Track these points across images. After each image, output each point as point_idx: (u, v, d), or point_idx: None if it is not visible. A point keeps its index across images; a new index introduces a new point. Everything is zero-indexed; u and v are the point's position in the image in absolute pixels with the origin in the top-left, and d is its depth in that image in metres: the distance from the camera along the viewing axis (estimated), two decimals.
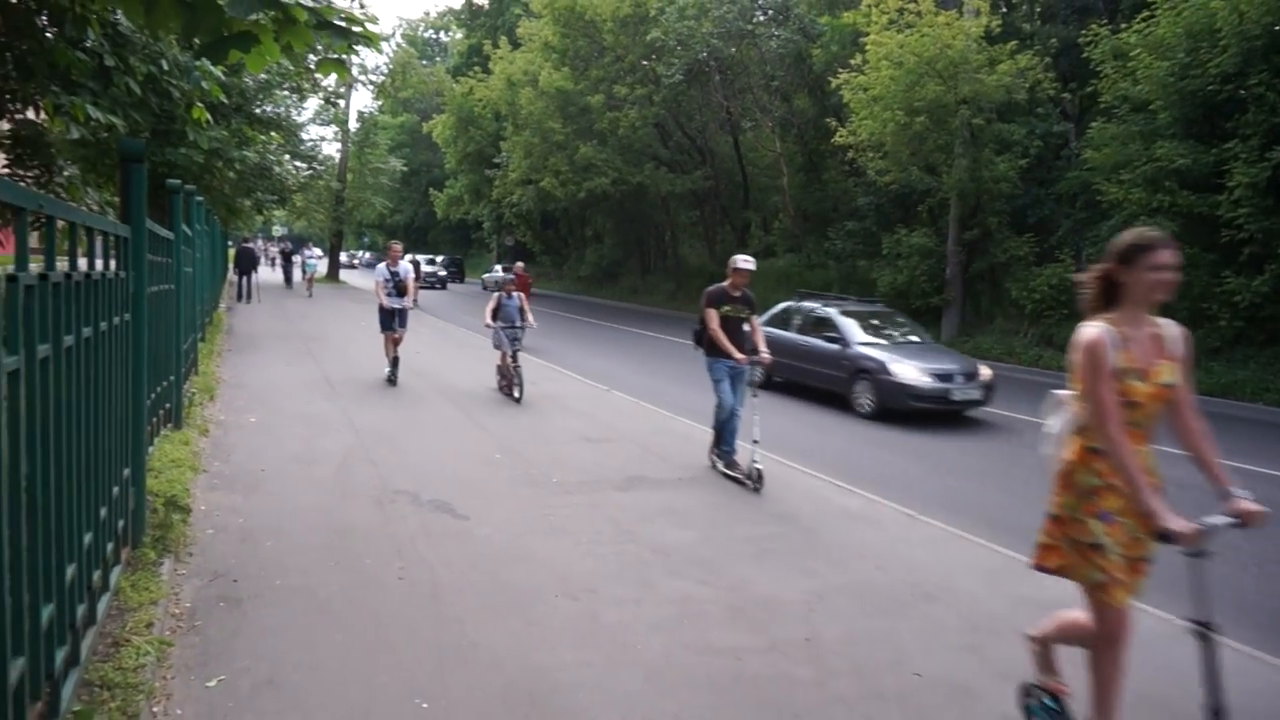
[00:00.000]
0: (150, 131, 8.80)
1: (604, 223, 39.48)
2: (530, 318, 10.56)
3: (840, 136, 20.77)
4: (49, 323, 2.34)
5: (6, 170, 6.83)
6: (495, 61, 35.44)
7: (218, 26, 2.52)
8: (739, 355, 6.93)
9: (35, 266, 2.26)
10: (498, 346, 10.48)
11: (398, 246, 11.33)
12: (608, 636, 3.93)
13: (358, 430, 8.02)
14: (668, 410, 10.06)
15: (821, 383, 11.57)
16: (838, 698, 3.51)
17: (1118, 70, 16.05)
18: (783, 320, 12.67)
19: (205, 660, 3.48)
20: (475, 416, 9.12)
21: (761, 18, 27.52)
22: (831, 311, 12.04)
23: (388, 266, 10.91)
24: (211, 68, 6.55)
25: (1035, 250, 19.07)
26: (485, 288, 41.95)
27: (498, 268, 44.74)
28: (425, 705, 3.23)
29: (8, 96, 6.07)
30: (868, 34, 19.32)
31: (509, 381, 10.19)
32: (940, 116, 18.86)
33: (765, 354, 7.03)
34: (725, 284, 7.18)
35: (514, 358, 10.09)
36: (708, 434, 8.85)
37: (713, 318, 7.06)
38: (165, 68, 6.36)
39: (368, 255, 67.17)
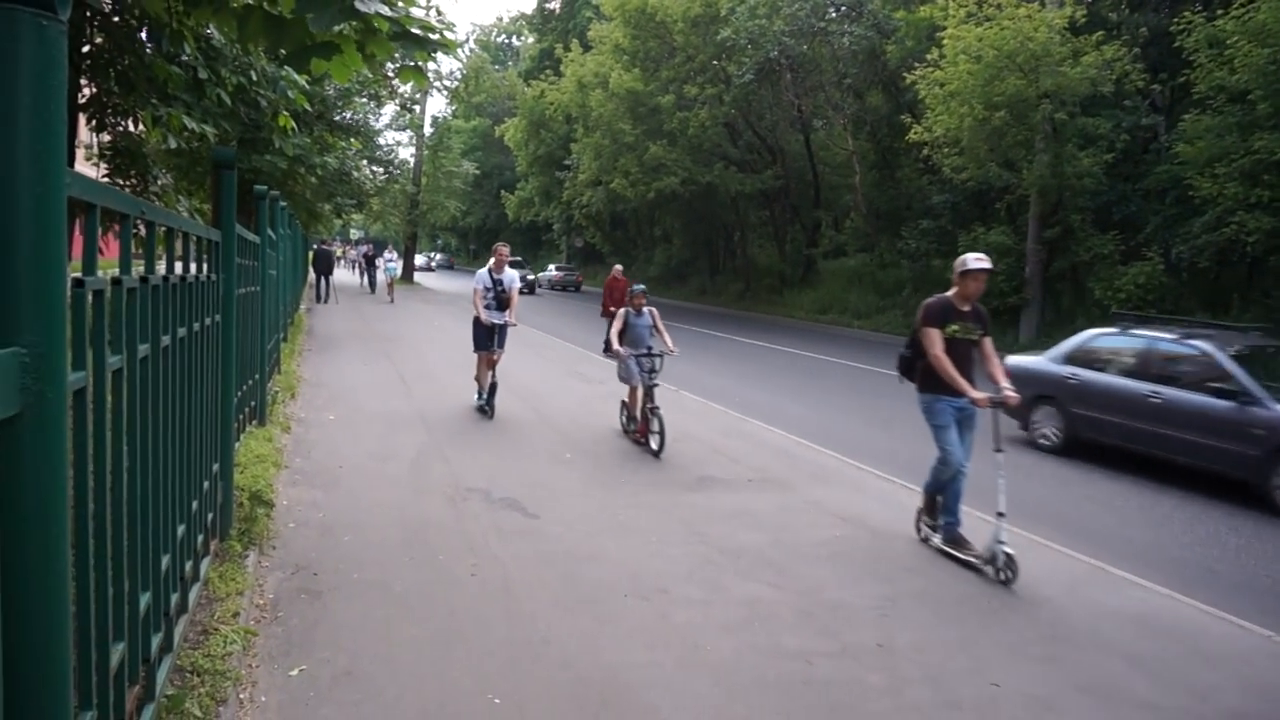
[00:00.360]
0: (238, 140, 9.18)
1: (673, 223, 39.53)
2: (668, 340, 8.07)
3: (915, 133, 20.34)
4: (149, 324, 2.46)
5: (106, 179, 7.21)
6: (566, 64, 35.81)
7: (303, 39, 2.61)
8: (975, 394, 5.13)
9: (135, 270, 2.38)
10: (625, 379, 8.24)
11: (504, 249, 9.28)
12: (678, 637, 3.93)
13: (431, 428, 8.20)
14: (737, 411, 10.02)
15: (1194, 457, 7.60)
16: (912, 705, 3.44)
17: (1213, 59, 15.31)
18: (1095, 358, 8.92)
19: (288, 650, 3.60)
20: (546, 415, 9.22)
21: (834, 14, 27.14)
22: (1208, 349, 7.78)
23: (490, 273, 9.04)
24: (296, 77, 6.79)
25: (1121, 248, 18.35)
26: (539, 287, 42.07)
27: (552, 267, 44.46)
28: (498, 701, 3.29)
29: (109, 110, 6.41)
30: (945, 28, 18.88)
31: (643, 427, 7.84)
32: (1020, 111, 18.30)
33: (1009, 391, 5.15)
34: (950, 294, 5.45)
35: (649, 396, 7.71)
36: (775, 435, 8.81)
37: (936, 340, 5.28)
38: (254, 78, 6.62)
39: (439, 256, 67.94)
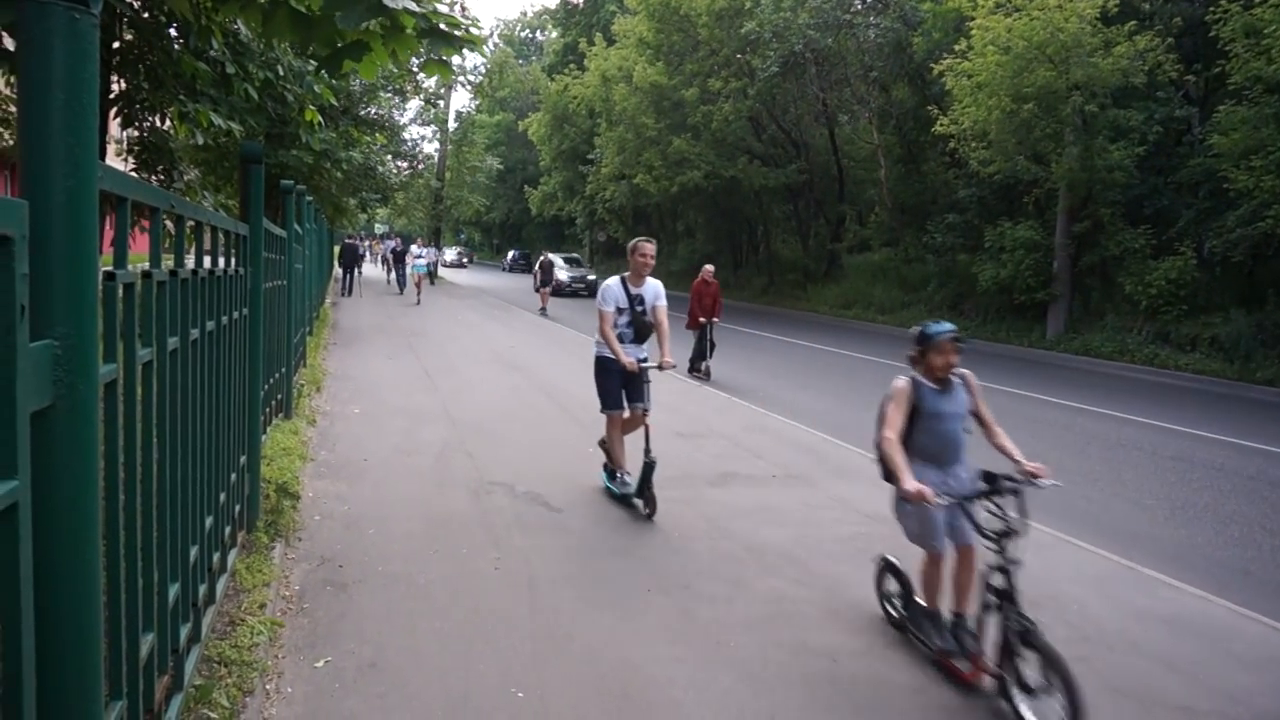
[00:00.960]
0: (264, 135, 9.25)
1: (696, 217, 39.43)
2: (1004, 438, 3.75)
3: (941, 126, 20.12)
4: (178, 317, 2.48)
5: (133, 173, 7.29)
6: (590, 58, 35.79)
7: (331, 36, 2.61)
8: None
9: (164, 264, 2.39)
10: (919, 540, 3.90)
11: (649, 248, 5.93)
12: (701, 633, 3.92)
13: (455, 422, 8.23)
14: (759, 406, 9.97)
15: None
16: (938, 705, 3.40)
17: (1250, 49, 15.00)
18: None
19: (313, 641, 3.63)
20: (569, 409, 9.23)
21: (860, 6, 26.87)
22: None
23: (626, 284, 5.90)
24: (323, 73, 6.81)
25: (1152, 243, 18.06)
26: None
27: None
28: (521, 695, 3.29)
29: (138, 106, 6.48)
30: (973, 19, 18.64)
31: (980, 662, 3.50)
32: (1050, 103, 18.03)
33: None
34: None
35: (999, 590, 3.39)
36: (799, 431, 8.73)
37: None
38: (281, 73, 6.66)
39: (458, 250, 63.97)
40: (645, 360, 5.90)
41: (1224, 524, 6.48)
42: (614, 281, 5.97)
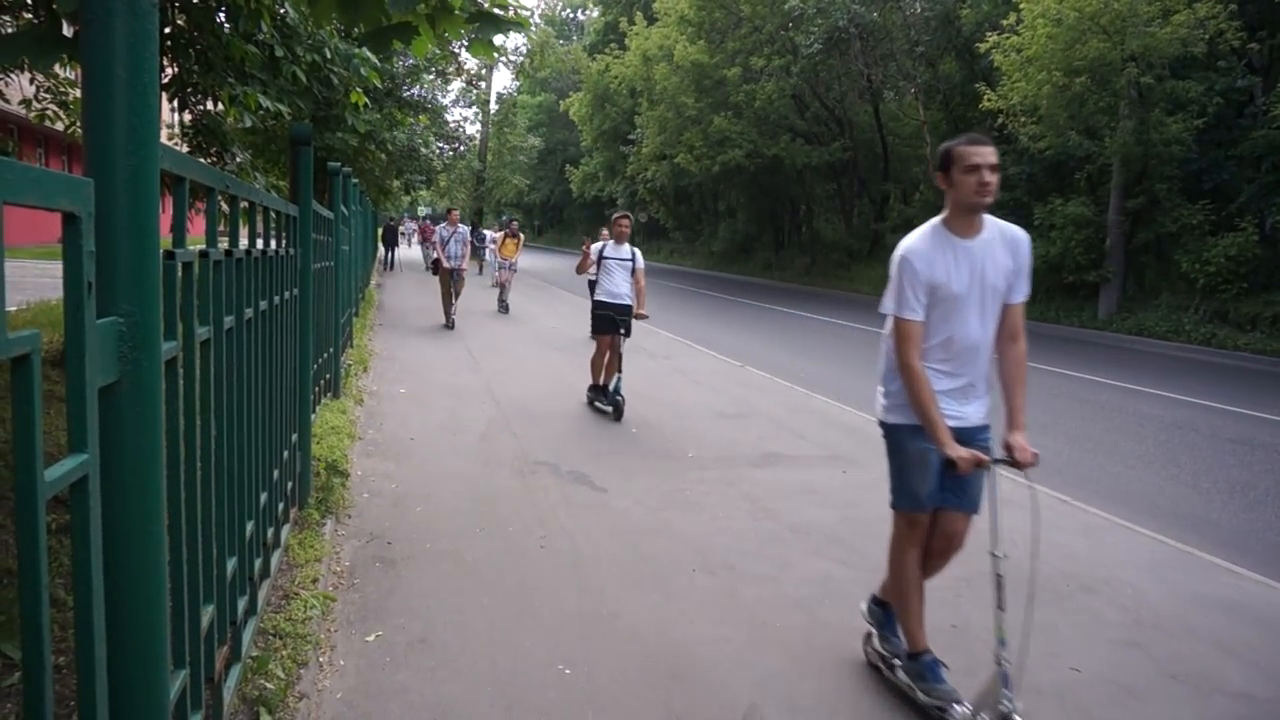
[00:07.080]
0: (310, 117, 9.34)
1: (738, 197, 39.13)
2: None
3: (989, 100, 19.63)
4: (233, 296, 2.52)
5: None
6: (631, 38, 35.57)
7: (377, 17, 2.62)
8: None
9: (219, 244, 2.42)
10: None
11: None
12: (747, 613, 3.91)
13: (499, 402, 8.30)
14: (802, 387, 9.89)
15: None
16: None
17: None
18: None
19: (364, 616, 3.69)
20: None
21: None
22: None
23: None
24: (369, 54, 6.85)
25: (1211, 219, 17.48)
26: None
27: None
28: (568, 672, 3.32)
29: (189, 89, 6.58)
30: None
31: None
32: (1104, 76, 17.50)
33: None
34: None
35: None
36: (842, 411, 8.65)
37: None
38: (328, 55, 6.71)
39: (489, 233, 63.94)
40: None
41: None
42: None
